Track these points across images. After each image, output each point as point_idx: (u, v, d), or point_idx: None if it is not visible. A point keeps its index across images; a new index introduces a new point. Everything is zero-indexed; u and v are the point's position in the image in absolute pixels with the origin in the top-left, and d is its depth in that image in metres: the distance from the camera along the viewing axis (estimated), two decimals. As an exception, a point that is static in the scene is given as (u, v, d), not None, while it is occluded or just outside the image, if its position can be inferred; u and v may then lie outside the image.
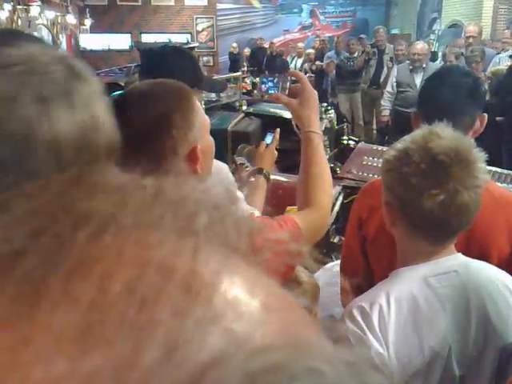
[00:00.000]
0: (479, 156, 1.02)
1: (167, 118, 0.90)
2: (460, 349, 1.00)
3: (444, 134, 1.02)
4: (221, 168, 1.44)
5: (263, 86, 1.26)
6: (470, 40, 6.04)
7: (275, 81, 1.23)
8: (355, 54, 7.49)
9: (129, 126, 0.80)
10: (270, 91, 1.23)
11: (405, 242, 1.08)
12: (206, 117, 1.00)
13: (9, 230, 0.18)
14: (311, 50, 9.95)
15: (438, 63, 6.12)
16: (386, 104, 5.69)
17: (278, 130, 1.59)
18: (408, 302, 0.99)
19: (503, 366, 1.03)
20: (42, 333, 0.15)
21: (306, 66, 9.14)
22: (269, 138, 1.59)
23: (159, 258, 0.17)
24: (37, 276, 0.16)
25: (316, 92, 1.16)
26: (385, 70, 6.92)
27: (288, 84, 1.19)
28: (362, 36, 8.50)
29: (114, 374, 0.14)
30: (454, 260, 1.05)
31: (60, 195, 0.20)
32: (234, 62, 11.23)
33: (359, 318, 0.98)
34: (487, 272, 1.07)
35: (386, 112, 5.68)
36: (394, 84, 5.54)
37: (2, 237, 0.18)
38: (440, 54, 7.43)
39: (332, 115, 5.06)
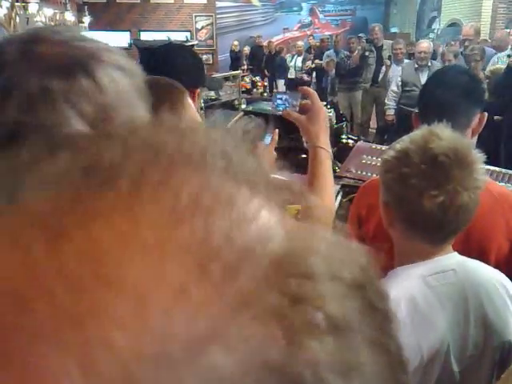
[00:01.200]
0: (478, 157, 1.02)
1: (154, 105, 0.91)
2: (459, 347, 1.00)
3: (444, 134, 1.02)
4: None
5: (278, 101, 1.33)
6: (466, 43, 6.06)
7: (284, 98, 1.29)
8: (355, 53, 7.49)
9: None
10: (279, 108, 1.29)
11: (403, 242, 1.08)
12: (198, 118, 1.02)
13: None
14: (300, 42, 9.98)
15: (436, 62, 6.12)
16: (390, 103, 5.69)
17: (277, 130, 1.59)
18: (406, 302, 0.99)
19: (501, 363, 1.03)
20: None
21: (307, 63, 9.15)
22: (267, 139, 1.59)
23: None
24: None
25: (325, 109, 1.20)
26: (383, 67, 6.92)
27: (299, 101, 1.22)
28: (360, 35, 8.49)
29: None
30: (452, 259, 1.06)
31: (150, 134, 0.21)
32: (235, 60, 11.22)
33: None
34: (483, 271, 1.07)
35: (391, 111, 5.68)
36: (399, 83, 5.53)
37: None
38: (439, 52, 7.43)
39: (331, 114, 5.07)
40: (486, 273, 1.07)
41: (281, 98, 1.31)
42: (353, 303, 0.18)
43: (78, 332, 0.14)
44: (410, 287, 1.01)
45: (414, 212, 1.00)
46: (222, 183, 0.19)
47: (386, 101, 5.85)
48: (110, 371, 0.14)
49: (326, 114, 1.19)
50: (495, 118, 4.47)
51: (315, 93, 1.23)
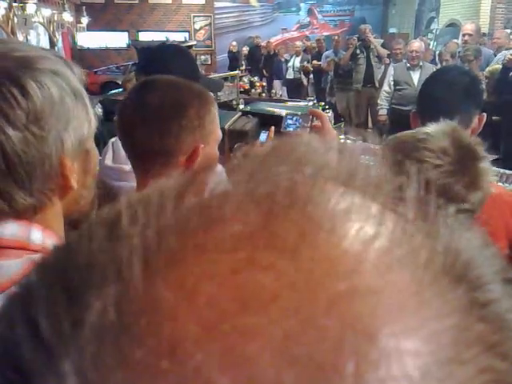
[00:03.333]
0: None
1: (183, 105, 0.96)
2: None
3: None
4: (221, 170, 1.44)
5: (288, 121, 1.36)
6: (466, 37, 6.03)
7: (295, 119, 1.31)
8: (345, 53, 7.52)
9: (148, 105, 0.94)
10: (287, 128, 1.32)
11: None
12: (220, 132, 1.06)
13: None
14: (298, 43, 9.98)
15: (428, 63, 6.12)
16: (383, 103, 5.69)
17: (273, 128, 1.59)
18: None
19: None
20: None
21: (305, 63, 9.15)
22: (263, 137, 1.59)
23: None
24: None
25: (335, 131, 1.21)
26: (382, 68, 6.92)
27: (309, 123, 1.25)
28: (356, 36, 8.49)
29: None
30: None
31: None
32: (233, 61, 11.22)
33: None
34: None
35: (384, 111, 5.68)
36: (392, 83, 5.55)
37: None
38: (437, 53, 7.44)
39: (330, 114, 5.07)
40: None
41: (291, 119, 1.34)
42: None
43: (373, 343, 0.15)
44: None
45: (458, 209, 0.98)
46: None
47: (378, 101, 5.86)
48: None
49: (334, 136, 1.20)
50: (493, 118, 4.47)
51: (325, 115, 1.25)
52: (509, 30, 6.50)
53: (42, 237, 0.63)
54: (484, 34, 7.31)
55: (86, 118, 0.65)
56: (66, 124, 0.62)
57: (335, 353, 0.14)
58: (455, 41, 7.16)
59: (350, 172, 0.20)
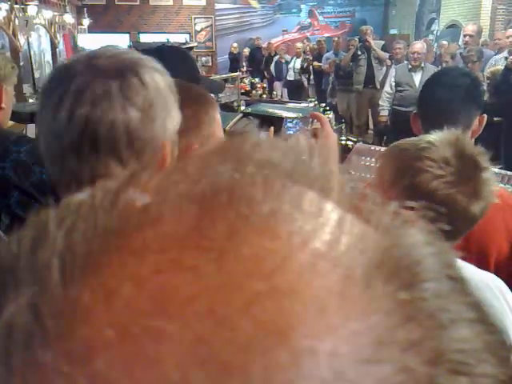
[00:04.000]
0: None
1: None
2: None
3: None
4: None
5: (288, 124, 1.37)
6: (467, 38, 6.02)
7: (295, 122, 1.32)
8: (346, 54, 7.52)
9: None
10: (288, 132, 1.32)
11: None
12: (222, 134, 1.06)
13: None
14: (299, 44, 9.98)
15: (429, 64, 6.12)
16: (384, 104, 5.69)
17: (272, 128, 1.59)
18: None
19: None
20: None
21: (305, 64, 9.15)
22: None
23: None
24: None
25: (335, 134, 1.20)
26: (383, 69, 6.92)
27: (309, 126, 1.25)
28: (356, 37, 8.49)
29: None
30: None
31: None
32: (234, 62, 11.22)
33: None
34: (479, 275, 1.06)
35: (385, 112, 5.68)
36: (393, 84, 5.55)
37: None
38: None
39: (330, 116, 5.06)
40: (483, 277, 1.06)
41: (291, 122, 1.35)
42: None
43: (284, 343, 0.14)
44: None
45: (458, 218, 0.98)
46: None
47: (379, 102, 5.86)
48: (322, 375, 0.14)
49: (335, 139, 1.20)
50: (495, 119, 4.46)
51: (326, 118, 1.24)
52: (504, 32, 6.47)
53: None
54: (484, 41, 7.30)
55: (176, 112, 0.77)
56: (167, 113, 0.74)
57: (243, 353, 0.14)
58: (455, 44, 7.16)
59: (292, 170, 0.19)
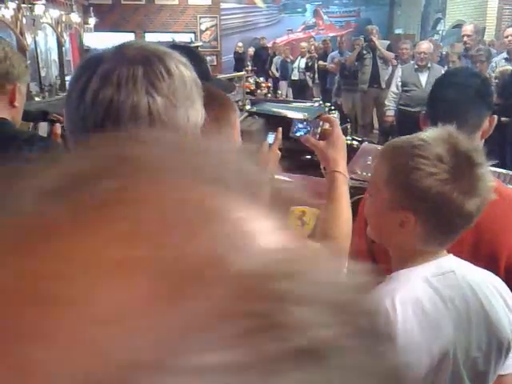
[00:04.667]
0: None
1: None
2: (464, 349, 1.00)
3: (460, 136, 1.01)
4: None
5: (299, 124, 1.37)
6: (465, 38, 5.98)
7: (305, 123, 1.32)
8: (351, 54, 7.51)
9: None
10: (297, 133, 1.33)
11: (413, 243, 1.07)
12: (239, 140, 1.07)
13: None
14: (304, 44, 9.97)
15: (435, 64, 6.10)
16: (390, 104, 5.68)
17: (280, 129, 1.58)
18: (413, 305, 0.98)
19: (501, 359, 1.03)
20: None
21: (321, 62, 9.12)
22: (271, 138, 1.59)
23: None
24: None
25: (344, 137, 1.21)
26: (388, 69, 6.91)
27: (319, 129, 1.25)
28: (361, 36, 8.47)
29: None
30: (450, 261, 1.05)
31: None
32: (239, 62, 11.23)
33: None
34: (477, 272, 1.07)
35: (391, 112, 5.67)
36: (399, 84, 5.54)
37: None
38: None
39: (336, 115, 5.06)
40: (480, 274, 1.06)
41: (302, 123, 1.34)
42: (336, 328, 0.16)
43: (10, 349, 0.14)
44: (415, 289, 1.00)
45: (454, 215, 0.98)
46: (200, 194, 0.18)
47: (385, 102, 5.85)
48: None
49: (344, 142, 1.21)
50: (502, 119, 4.45)
51: (336, 120, 1.25)
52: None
53: None
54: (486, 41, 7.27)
55: (200, 106, 0.77)
56: (191, 103, 0.75)
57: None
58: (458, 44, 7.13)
59: (159, 164, 0.19)
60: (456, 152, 0.96)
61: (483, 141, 1.40)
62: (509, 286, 1.08)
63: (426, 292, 1.00)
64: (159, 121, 0.71)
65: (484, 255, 1.21)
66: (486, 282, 1.05)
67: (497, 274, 1.11)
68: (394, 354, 0.19)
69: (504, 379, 1.08)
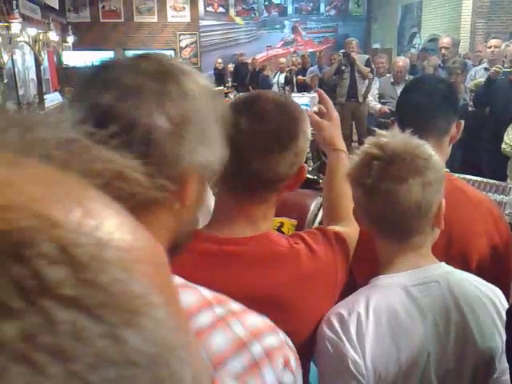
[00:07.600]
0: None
1: (295, 134, 0.93)
2: (439, 359, 0.99)
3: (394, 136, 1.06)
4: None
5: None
6: (443, 51, 6.12)
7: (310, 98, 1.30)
8: (329, 68, 7.61)
9: (264, 133, 0.89)
10: (306, 105, 1.30)
11: (377, 243, 1.08)
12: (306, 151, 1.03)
13: None
14: (283, 59, 10.08)
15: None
16: (375, 102, 5.87)
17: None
18: (387, 313, 0.97)
19: (480, 375, 1.02)
20: None
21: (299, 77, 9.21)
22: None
23: None
24: None
25: (337, 114, 1.24)
26: (366, 82, 7.00)
27: (316, 105, 1.25)
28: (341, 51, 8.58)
29: None
30: (437, 270, 1.04)
31: None
32: (219, 77, 11.29)
33: (337, 326, 0.96)
34: (469, 283, 1.06)
35: (378, 105, 5.81)
36: (377, 96, 5.68)
37: None
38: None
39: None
40: (474, 287, 1.05)
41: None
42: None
43: None
44: (392, 297, 1.00)
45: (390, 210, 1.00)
46: None
47: (370, 104, 6.06)
48: None
49: (338, 118, 1.24)
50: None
51: (330, 100, 1.25)
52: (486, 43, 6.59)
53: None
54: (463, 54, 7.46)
55: (219, 147, 0.65)
56: (203, 137, 0.62)
57: None
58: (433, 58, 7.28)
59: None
60: (392, 152, 1.03)
61: (450, 148, 1.42)
62: None
63: (403, 300, 0.99)
64: (155, 145, 0.59)
65: (455, 255, 1.21)
66: (478, 294, 1.03)
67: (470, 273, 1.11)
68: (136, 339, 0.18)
69: None
